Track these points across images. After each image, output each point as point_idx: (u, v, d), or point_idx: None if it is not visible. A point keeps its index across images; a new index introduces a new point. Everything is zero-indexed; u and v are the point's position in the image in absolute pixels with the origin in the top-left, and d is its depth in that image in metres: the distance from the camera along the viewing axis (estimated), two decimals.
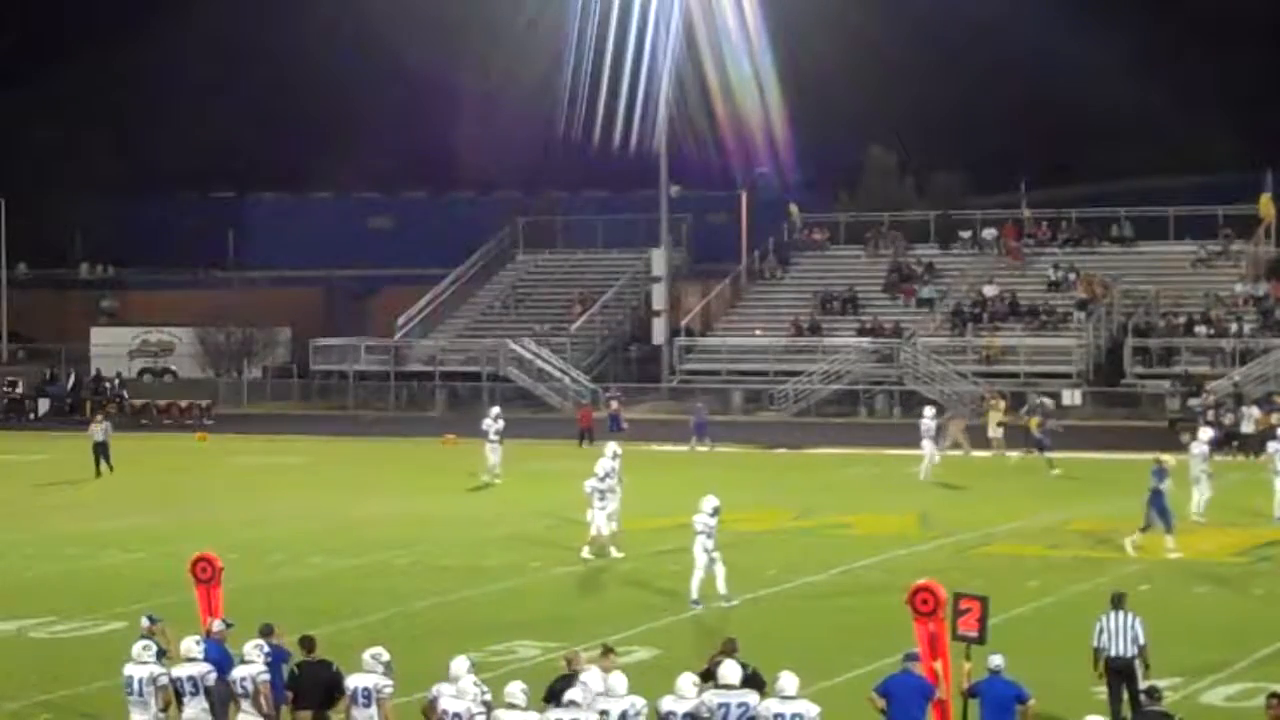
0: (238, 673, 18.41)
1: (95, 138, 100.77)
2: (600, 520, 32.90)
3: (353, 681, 17.92)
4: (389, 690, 17.80)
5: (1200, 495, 36.78)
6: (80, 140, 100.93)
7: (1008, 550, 33.93)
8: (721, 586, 28.15)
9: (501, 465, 45.44)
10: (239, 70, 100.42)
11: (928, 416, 46.43)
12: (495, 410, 46.93)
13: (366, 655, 18.00)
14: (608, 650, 18.17)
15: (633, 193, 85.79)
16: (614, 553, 32.94)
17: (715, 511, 28.31)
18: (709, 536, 28.19)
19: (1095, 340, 66.20)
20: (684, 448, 53.60)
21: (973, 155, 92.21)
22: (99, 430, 49.05)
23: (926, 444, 45.66)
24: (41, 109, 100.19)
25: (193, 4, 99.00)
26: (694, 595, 28.13)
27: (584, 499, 33.33)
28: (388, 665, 17.95)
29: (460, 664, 17.39)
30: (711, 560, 28.16)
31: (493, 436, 45.45)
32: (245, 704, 18.29)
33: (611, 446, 35.50)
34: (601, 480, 32.98)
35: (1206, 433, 39.36)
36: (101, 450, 48.61)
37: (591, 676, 17.13)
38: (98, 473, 48.21)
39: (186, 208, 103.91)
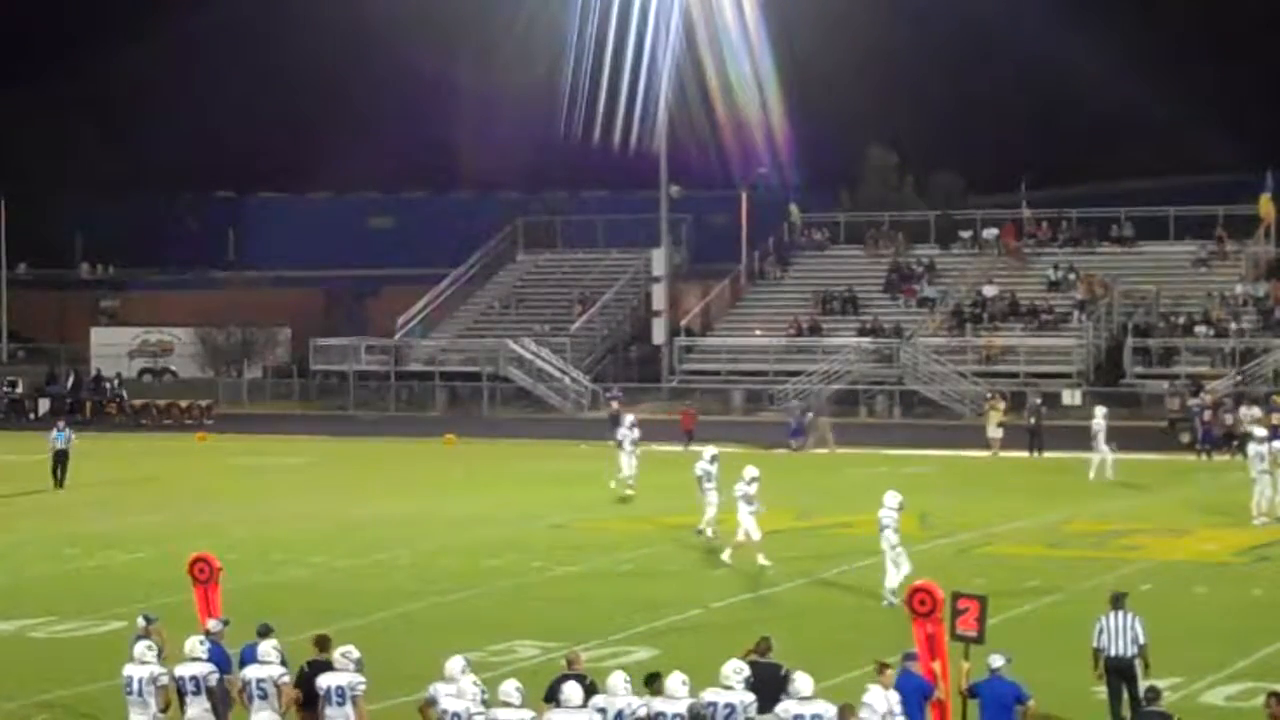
0: (252, 673, 18.16)
1: (96, 137, 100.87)
2: (750, 524, 31.59)
3: (324, 681, 17.78)
4: (363, 687, 17.74)
5: (1261, 495, 36.64)
6: (80, 140, 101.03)
7: (1008, 550, 33.92)
8: (892, 582, 27.64)
9: (636, 475, 42.42)
10: (239, 70, 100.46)
11: (1099, 416, 45.75)
12: (631, 419, 44.56)
13: (337, 654, 17.95)
14: (884, 666, 17.56)
15: (633, 193, 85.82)
16: (761, 560, 31.50)
17: (900, 506, 28.07)
18: (895, 530, 27.97)
19: (1095, 340, 66.20)
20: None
21: (973, 155, 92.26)
22: (61, 439, 45.39)
23: (1100, 445, 45.09)
24: (41, 109, 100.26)
25: (193, 4, 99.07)
26: (892, 586, 27.61)
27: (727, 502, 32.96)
28: (358, 662, 17.90)
29: (455, 663, 17.38)
30: (895, 555, 27.86)
31: (629, 445, 42.73)
32: (258, 703, 18.07)
33: (710, 450, 35.20)
34: (749, 483, 31.57)
35: (1261, 431, 39.21)
36: (61, 460, 45.04)
37: (874, 694, 16.95)
38: (56, 483, 44.77)
39: (187, 209, 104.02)
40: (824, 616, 27.66)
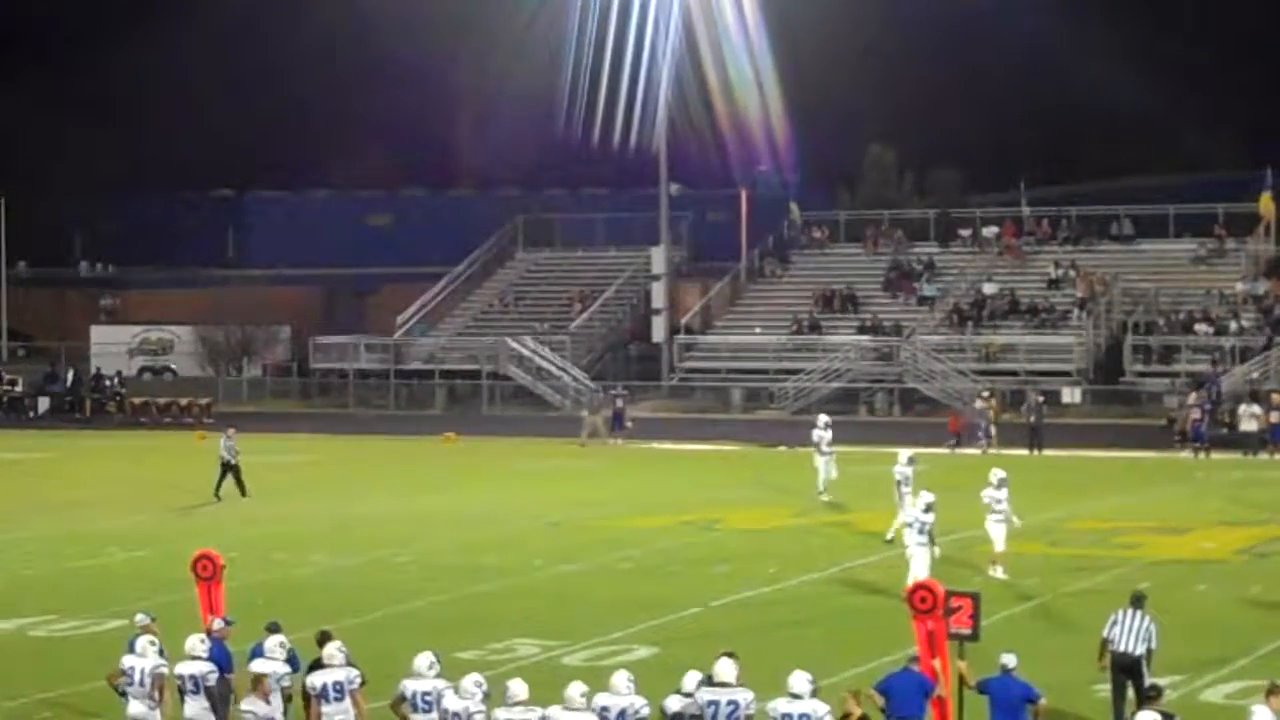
0: (256, 668, 18.32)
1: (95, 137, 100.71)
2: (998, 534, 30.11)
3: (319, 678, 17.90)
4: (359, 681, 17.91)
5: None
6: (80, 140, 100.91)
7: (1007, 548, 33.86)
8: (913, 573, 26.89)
9: (831, 481, 40.20)
10: (239, 70, 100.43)
11: None
12: (824, 419, 41.31)
13: (328, 650, 18.09)
14: (1276, 687, 16.55)
15: (632, 191, 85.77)
16: (998, 573, 30.12)
17: (928, 508, 27.88)
18: (920, 531, 27.74)
19: (1095, 338, 66.18)
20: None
21: (973, 153, 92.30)
22: (226, 449, 42.57)
23: None
24: (41, 108, 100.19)
25: (193, 4, 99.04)
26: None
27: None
28: (346, 656, 18.07)
29: (423, 660, 17.46)
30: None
31: (825, 448, 40.29)
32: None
33: (906, 453, 34.19)
34: (998, 488, 30.00)
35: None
36: (233, 472, 42.21)
37: (1261, 715, 16.13)
38: (242, 490, 42.14)
39: (186, 207, 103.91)
40: (822, 614, 27.67)
